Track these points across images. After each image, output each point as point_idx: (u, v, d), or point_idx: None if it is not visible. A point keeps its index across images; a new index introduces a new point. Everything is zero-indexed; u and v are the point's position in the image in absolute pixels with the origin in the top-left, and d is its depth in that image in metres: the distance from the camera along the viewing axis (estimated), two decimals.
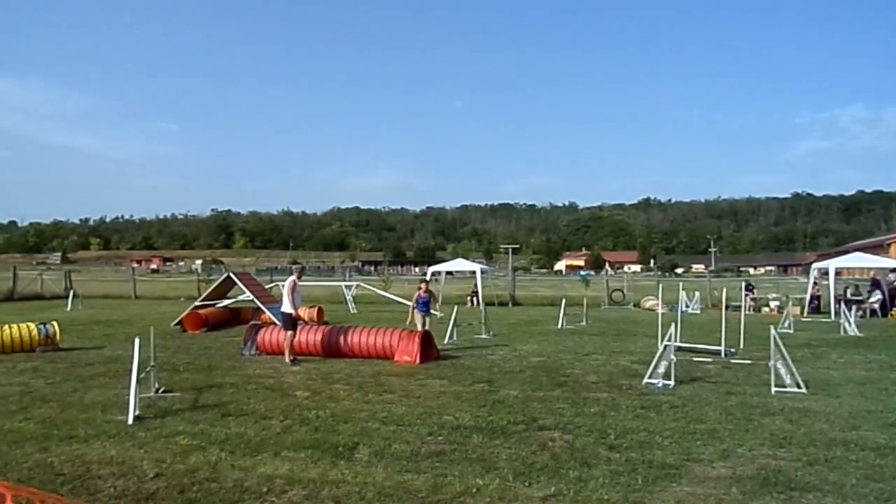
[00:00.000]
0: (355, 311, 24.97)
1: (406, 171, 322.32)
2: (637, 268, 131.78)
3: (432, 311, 15.09)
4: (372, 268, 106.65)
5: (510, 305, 29.84)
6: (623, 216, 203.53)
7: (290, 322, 11.69)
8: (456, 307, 16.67)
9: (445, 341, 14.09)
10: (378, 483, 5.10)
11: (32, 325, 13.22)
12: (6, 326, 13.07)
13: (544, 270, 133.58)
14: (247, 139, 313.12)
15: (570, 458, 5.79)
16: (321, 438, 6.39)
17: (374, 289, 27.97)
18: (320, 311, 19.77)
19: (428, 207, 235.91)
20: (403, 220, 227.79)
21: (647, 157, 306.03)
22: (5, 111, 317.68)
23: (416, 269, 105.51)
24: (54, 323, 13.67)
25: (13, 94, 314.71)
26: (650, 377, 9.49)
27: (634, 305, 29.02)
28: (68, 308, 25.41)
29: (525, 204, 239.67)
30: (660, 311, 15.25)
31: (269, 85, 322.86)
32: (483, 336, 15.83)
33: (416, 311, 13.89)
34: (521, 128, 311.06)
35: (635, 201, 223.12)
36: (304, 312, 19.01)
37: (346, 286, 28.25)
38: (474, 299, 28.83)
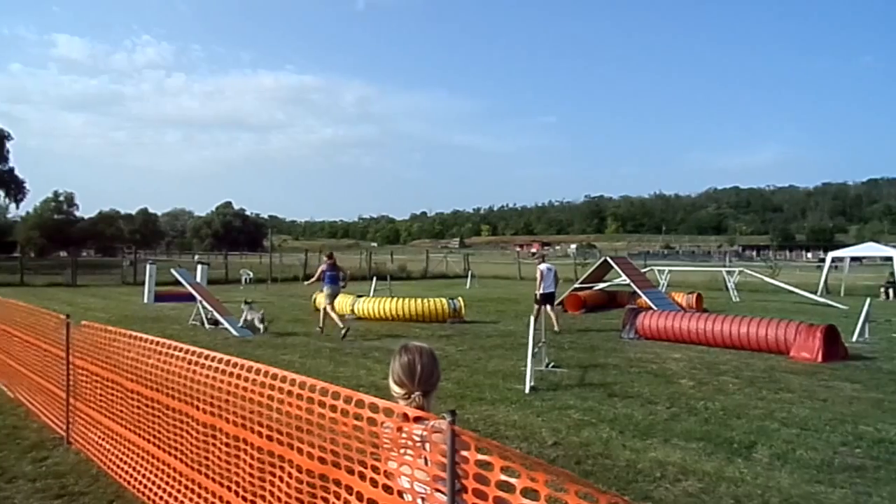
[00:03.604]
0: (738, 299, 23.18)
1: (795, 144, 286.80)
2: None
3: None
4: (754, 252, 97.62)
5: None
6: None
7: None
8: (868, 299, 14.14)
9: (854, 339, 12.11)
10: (783, 489, 4.64)
11: (443, 300, 15.53)
12: (424, 300, 15.62)
13: None
14: (619, 125, 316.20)
15: None
16: (712, 431, 6.09)
17: (760, 275, 25.53)
18: (699, 297, 18.87)
19: (824, 183, 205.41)
20: (792, 199, 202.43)
21: None
22: (418, 120, 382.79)
23: (809, 255, 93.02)
24: (460, 298, 15.83)
25: (423, 105, 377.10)
26: None
27: None
28: (467, 286, 29.13)
29: None
30: None
31: (639, 68, 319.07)
32: None
33: None
34: None
35: None
36: (681, 298, 18.44)
37: (727, 272, 26.40)
38: (890, 291, 24.23)
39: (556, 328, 13.36)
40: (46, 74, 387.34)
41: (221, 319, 13.34)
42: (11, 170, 67.16)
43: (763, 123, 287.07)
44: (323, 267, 13.64)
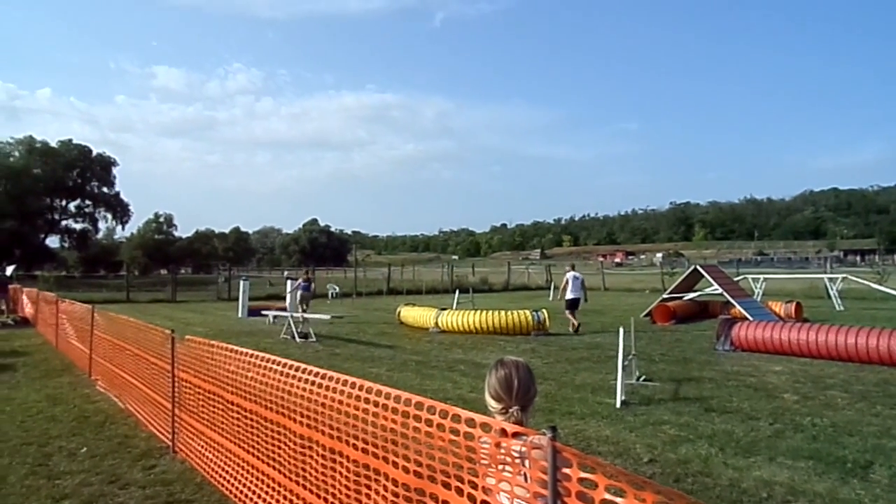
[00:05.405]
0: (842, 307, 21.76)
1: None
2: None
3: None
4: (858, 257, 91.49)
5: None
6: None
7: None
8: None
9: None
10: None
11: (527, 312, 15.35)
12: (507, 312, 15.50)
13: None
14: (704, 128, 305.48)
15: None
16: (822, 449, 5.71)
17: (866, 282, 23.87)
18: (798, 306, 17.84)
19: None
20: None
21: None
22: (496, 132, 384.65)
23: None
24: (544, 310, 15.61)
25: (501, 117, 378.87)
26: None
27: None
28: (550, 298, 28.72)
29: None
30: None
31: (723, 69, 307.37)
32: None
33: None
34: None
35: None
36: (779, 308, 17.50)
37: (829, 279, 24.84)
38: None
39: (572, 329, 15.28)
40: (147, 104, 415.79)
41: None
42: (117, 194, 72.30)
43: (862, 120, 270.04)
44: (299, 282, 19.16)
